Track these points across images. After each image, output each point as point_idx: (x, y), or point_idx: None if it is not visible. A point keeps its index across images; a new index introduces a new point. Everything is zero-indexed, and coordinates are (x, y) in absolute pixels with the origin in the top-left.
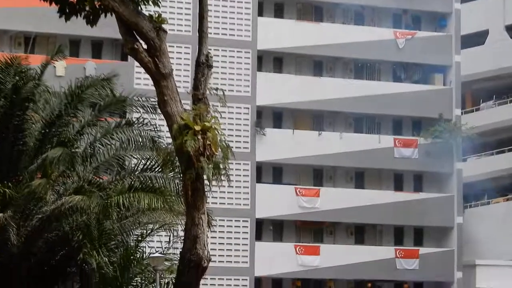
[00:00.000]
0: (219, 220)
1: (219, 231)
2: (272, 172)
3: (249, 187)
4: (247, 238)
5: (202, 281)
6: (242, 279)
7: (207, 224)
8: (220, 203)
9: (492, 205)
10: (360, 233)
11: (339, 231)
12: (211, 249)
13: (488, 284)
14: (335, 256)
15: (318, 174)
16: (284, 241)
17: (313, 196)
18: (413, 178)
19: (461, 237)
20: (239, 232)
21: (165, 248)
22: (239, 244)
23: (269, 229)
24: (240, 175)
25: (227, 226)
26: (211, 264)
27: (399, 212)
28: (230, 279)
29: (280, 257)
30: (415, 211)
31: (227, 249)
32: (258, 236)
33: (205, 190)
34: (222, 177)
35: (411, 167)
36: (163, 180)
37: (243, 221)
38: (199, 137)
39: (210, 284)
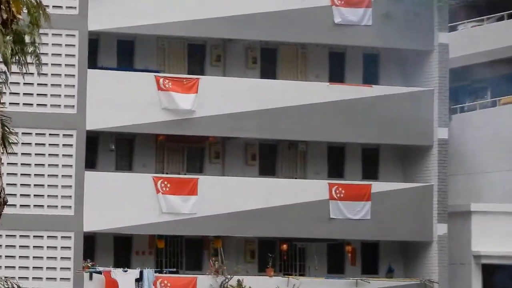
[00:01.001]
0: (23, 133)
1: (22, 154)
2: (116, 49)
3: (76, 75)
4: (70, 166)
5: None
6: (62, 237)
7: (2, 142)
8: (25, 104)
9: (500, 108)
10: (268, 155)
11: (232, 153)
12: (8, 184)
13: (492, 246)
14: (224, 196)
15: (197, 50)
16: (136, 171)
17: (188, 92)
18: (363, 60)
19: (446, 164)
20: (56, 155)
21: None
22: (56, 176)
23: (110, 149)
24: (60, 55)
25: (37, 144)
26: (10, 211)
27: (337, 119)
28: (41, 236)
29: (129, 199)
30: (365, 117)
31: (36, 185)
32: (90, 162)
33: None
34: (30, 58)
35: (360, 40)
36: None
37: (64, 135)
38: None
39: (7, 246)
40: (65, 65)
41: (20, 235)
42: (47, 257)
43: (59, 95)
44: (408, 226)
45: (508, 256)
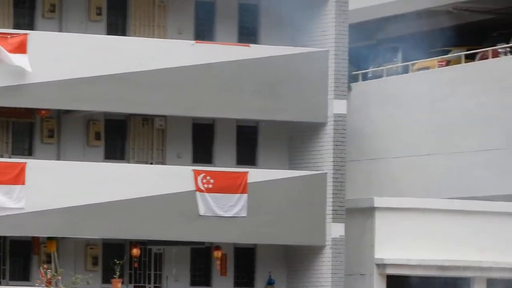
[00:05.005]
0: None
1: None
2: None
3: None
4: None
5: None
6: None
7: None
8: None
9: (413, 75)
10: (116, 134)
11: (70, 130)
12: None
13: (399, 253)
14: (59, 186)
15: None
16: None
17: (14, 52)
18: (238, 12)
19: (343, 146)
20: None
21: None
22: None
23: None
24: None
25: None
26: None
27: (204, 87)
28: None
29: None
30: (240, 85)
31: None
32: None
33: None
34: None
35: None
36: None
37: None
38: None
39: None
40: None
41: None
42: None
43: None
44: (294, 226)
45: (419, 265)
